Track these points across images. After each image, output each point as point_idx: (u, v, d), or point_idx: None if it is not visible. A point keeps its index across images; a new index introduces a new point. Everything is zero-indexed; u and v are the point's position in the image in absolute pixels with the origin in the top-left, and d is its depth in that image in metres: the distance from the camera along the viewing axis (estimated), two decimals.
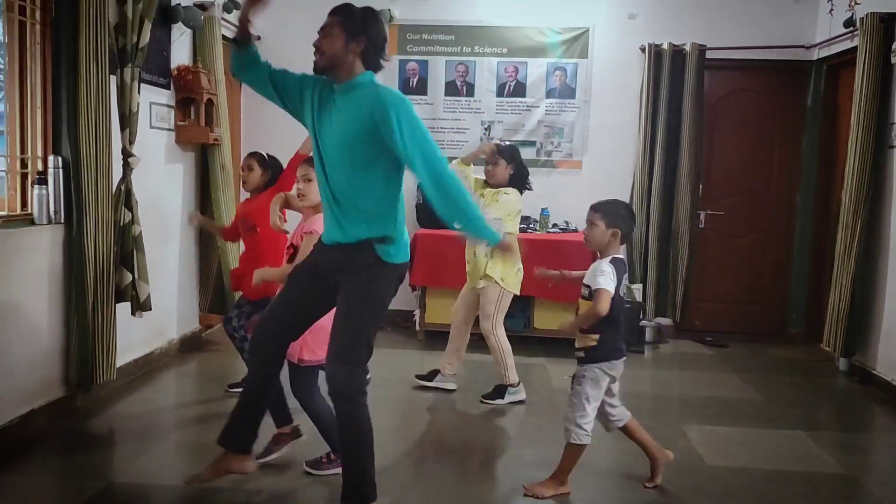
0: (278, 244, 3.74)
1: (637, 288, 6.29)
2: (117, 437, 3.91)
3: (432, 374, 4.70)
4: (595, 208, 3.17)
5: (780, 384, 5.13)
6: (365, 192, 2.70)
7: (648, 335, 6.16)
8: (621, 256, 3.19)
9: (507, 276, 4.39)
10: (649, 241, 6.34)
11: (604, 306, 3.01)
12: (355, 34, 2.68)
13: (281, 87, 2.84)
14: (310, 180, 3.12)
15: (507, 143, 5.05)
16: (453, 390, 4.65)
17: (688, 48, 6.13)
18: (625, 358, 3.20)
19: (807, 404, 4.82)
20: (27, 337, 3.70)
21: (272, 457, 3.38)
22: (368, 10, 2.75)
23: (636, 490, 3.29)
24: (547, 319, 5.84)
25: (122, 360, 4.34)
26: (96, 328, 3.98)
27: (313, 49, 2.70)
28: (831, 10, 5.80)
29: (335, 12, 2.73)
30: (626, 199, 6.37)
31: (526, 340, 5.76)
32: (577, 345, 3.20)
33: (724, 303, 6.55)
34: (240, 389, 3.28)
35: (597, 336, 3.11)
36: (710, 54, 6.17)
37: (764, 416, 4.46)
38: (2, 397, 3.52)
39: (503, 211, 4.29)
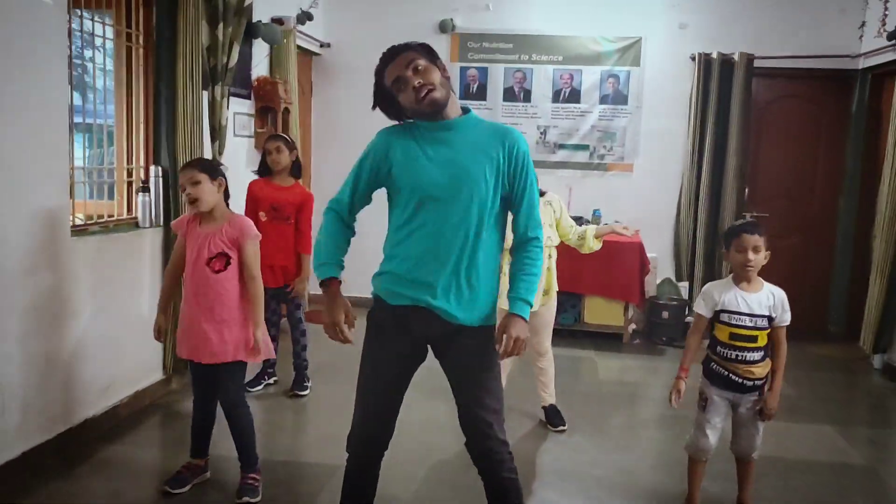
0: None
1: (684, 286, 6.61)
2: None
3: None
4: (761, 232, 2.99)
5: (814, 380, 5.40)
6: None
7: None
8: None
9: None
10: (696, 240, 6.65)
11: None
12: (438, 62, 2.39)
13: (368, 191, 2.50)
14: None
15: None
16: None
17: (736, 57, 6.39)
18: None
19: (838, 400, 5.11)
20: (134, 327, 4.22)
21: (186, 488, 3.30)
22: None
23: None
24: (596, 314, 6.19)
25: None
26: None
27: (420, 89, 2.28)
28: (883, 24, 5.84)
29: (409, 47, 2.36)
30: (675, 201, 6.70)
31: (576, 334, 6.14)
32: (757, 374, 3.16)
33: None
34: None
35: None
36: (757, 63, 6.42)
37: (795, 410, 4.73)
38: (117, 379, 4.09)
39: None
